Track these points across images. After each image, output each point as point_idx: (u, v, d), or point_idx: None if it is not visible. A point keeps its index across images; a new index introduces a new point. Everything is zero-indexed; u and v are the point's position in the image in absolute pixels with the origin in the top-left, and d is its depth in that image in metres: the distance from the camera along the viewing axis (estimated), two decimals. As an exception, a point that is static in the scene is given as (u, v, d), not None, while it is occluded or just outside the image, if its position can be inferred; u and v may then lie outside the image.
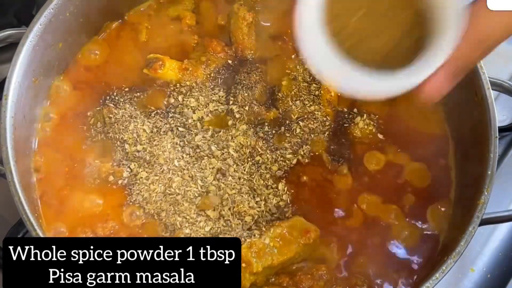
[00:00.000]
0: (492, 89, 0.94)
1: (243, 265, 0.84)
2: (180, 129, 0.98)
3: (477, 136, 0.93)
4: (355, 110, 1.03)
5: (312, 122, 1.01)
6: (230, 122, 1.00)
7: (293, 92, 1.03)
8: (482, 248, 1.08)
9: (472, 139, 0.95)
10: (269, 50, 1.10)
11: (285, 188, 0.96)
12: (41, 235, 0.80)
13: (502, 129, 1.09)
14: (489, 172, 0.87)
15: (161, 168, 0.94)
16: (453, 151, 1.01)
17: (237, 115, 1.00)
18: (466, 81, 0.95)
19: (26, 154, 0.94)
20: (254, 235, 0.88)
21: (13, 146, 0.86)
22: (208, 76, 1.05)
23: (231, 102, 1.01)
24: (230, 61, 1.07)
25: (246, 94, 1.01)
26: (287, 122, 1.02)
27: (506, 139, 1.19)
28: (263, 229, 0.89)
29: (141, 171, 0.94)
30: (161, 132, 0.97)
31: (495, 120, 0.91)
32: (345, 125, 1.02)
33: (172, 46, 1.09)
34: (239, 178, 0.94)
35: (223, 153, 0.96)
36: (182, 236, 0.88)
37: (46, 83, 1.00)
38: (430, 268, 0.87)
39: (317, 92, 1.03)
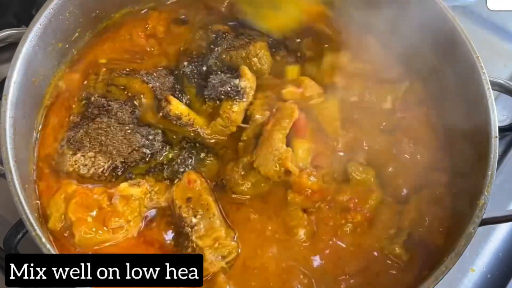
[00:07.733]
0: (492, 89, 0.94)
1: None
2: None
3: (477, 136, 0.93)
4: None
5: None
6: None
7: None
8: (482, 248, 1.08)
9: (472, 139, 0.95)
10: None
11: None
12: (41, 235, 0.80)
13: (502, 129, 1.09)
14: (489, 173, 0.87)
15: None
16: (453, 151, 1.01)
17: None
18: (467, 81, 0.97)
19: (26, 154, 0.93)
20: None
21: (13, 146, 0.86)
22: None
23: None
24: None
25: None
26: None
27: (506, 139, 1.19)
28: None
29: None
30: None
31: (495, 120, 0.91)
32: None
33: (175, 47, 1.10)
34: None
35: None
36: None
37: (45, 83, 1.00)
38: (430, 268, 0.87)
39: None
